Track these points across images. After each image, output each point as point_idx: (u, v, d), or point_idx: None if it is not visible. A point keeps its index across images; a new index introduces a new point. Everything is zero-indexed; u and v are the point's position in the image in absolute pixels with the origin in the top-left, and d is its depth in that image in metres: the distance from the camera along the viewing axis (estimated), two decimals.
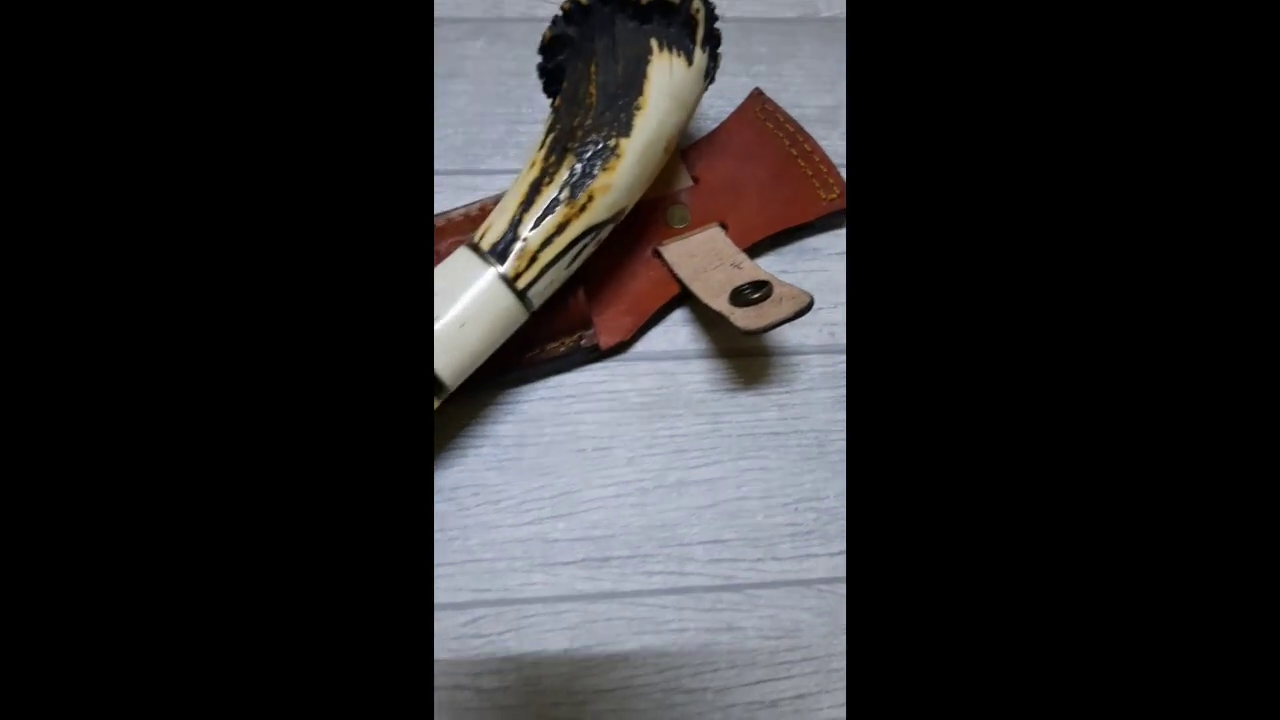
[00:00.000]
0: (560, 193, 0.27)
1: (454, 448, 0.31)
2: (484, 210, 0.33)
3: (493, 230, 0.27)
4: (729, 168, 0.35)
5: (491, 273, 0.27)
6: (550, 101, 0.32)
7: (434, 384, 0.26)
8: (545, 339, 0.31)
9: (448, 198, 0.35)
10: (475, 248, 0.27)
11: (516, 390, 0.32)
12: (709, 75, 0.31)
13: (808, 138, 0.36)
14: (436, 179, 0.36)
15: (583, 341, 0.31)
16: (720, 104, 0.37)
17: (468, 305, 0.26)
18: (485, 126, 0.37)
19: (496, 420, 0.31)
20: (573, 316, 0.31)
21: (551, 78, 0.31)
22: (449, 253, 0.28)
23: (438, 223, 0.32)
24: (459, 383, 0.27)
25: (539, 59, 0.31)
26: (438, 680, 0.28)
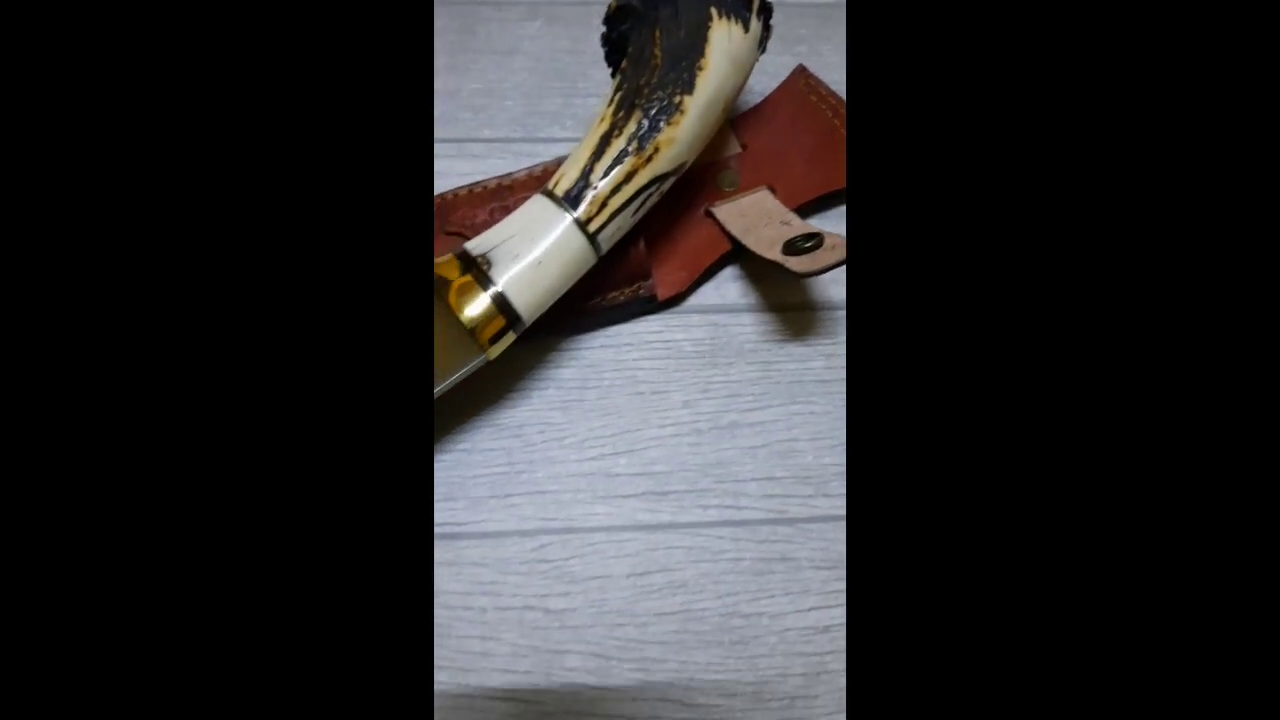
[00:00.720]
0: (629, 144, 0.29)
1: (520, 389, 0.33)
2: (546, 171, 0.35)
3: (565, 179, 0.29)
4: (775, 136, 0.37)
5: (566, 217, 0.29)
6: (610, 72, 0.34)
7: (513, 319, 0.28)
8: (607, 288, 0.33)
9: (509, 162, 0.37)
10: (550, 194, 0.29)
11: (577, 338, 0.34)
12: (762, 44, 0.33)
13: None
14: (498, 146, 0.38)
15: (641, 292, 0.33)
16: (765, 80, 0.39)
17: (544, 246, 0.28)
18: (543, 99, 0.39)
19: (559, 365, 0.33)
20: (633, 266, 0.33)
21: (614, 47, 0.33)
22: (517, 206, 0.30)
23: (504, 182, 0.34)
24: (534, 318, 0.29)
25: (602, 29, 0.33)
26: (506, 603, 0.29)
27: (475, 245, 0.29)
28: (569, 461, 0.32)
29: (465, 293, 0.28)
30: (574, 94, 0.39)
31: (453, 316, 0.28)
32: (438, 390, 0.28)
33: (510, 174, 0.35)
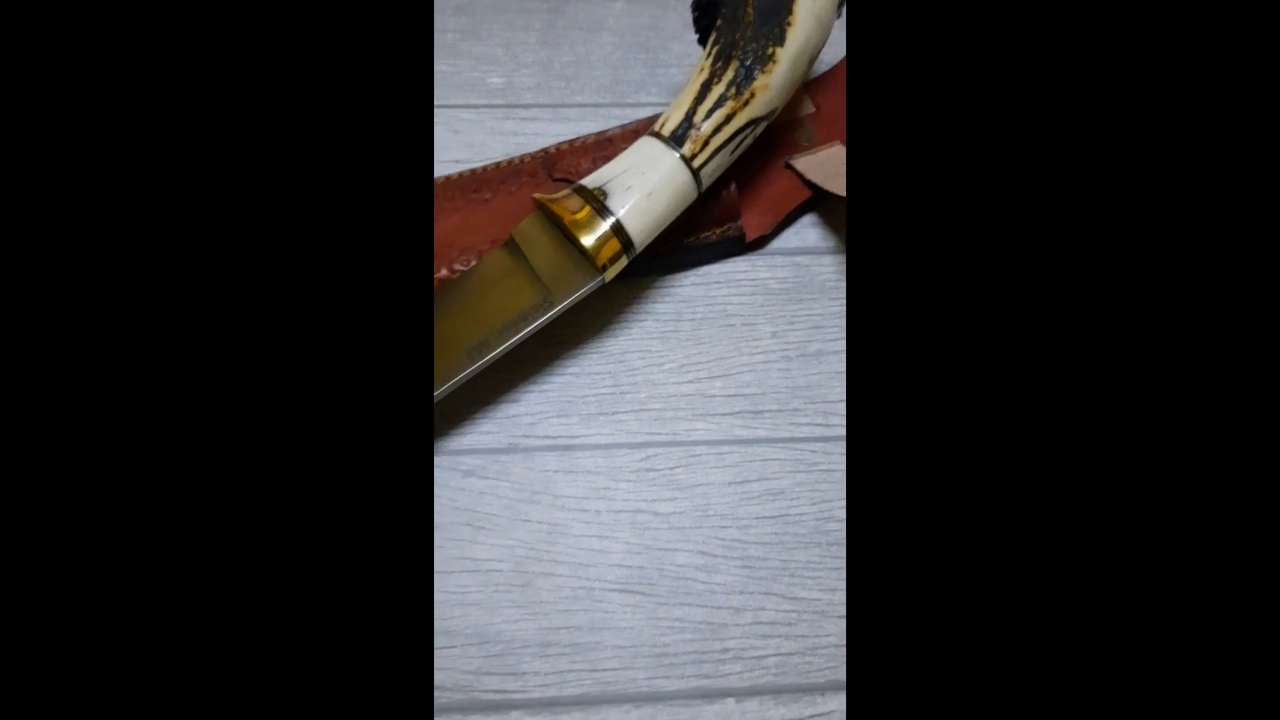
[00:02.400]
0: (728, 90, 0.32)
1: (620, 321, 0.35)
2: (638, 130, 0.38)
3: (671, 121, 0.32)
4: (844, 98, 0.40)
5: (673, 154, 0.32)
6: (697, 38, 0.37)
7: (628, 244, 0.31)
8: (700, 227, 0.36)
9: (600, 124, 0.40)
10: (658, 135, 0.32)
11: (671, 277, 0.36)
12: (840, 5, 0.36)
13: None
14: (590, 110, 0.41)
15: (730, 232, 0.36)
16: (834, 50, 0.42)
17: (655, 179, 0.31)
18: (628, 70, 0.42)
19: (655, 301, 0.36)
20: (725, 207, 0.35)
21: (704, 12, 0.37)
22: (618, 154, 0.33)
23: (601, 137, 0.37)
24: (645, 245, 0.32)
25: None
26: (619, 506, 0.31)
27: (591, 180, 0.32)
28: (669, 384, 0.34)
29: (585, 221, 0.31)
30: (656, 65, 0.42)
31: (567, 244, 0.31)
32: (558, 309, 0.31)
33: (605, 131, 0.38)
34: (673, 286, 0.36)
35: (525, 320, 0.31)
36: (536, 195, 0.33)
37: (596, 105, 0.41)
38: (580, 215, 0.31)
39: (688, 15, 0.43)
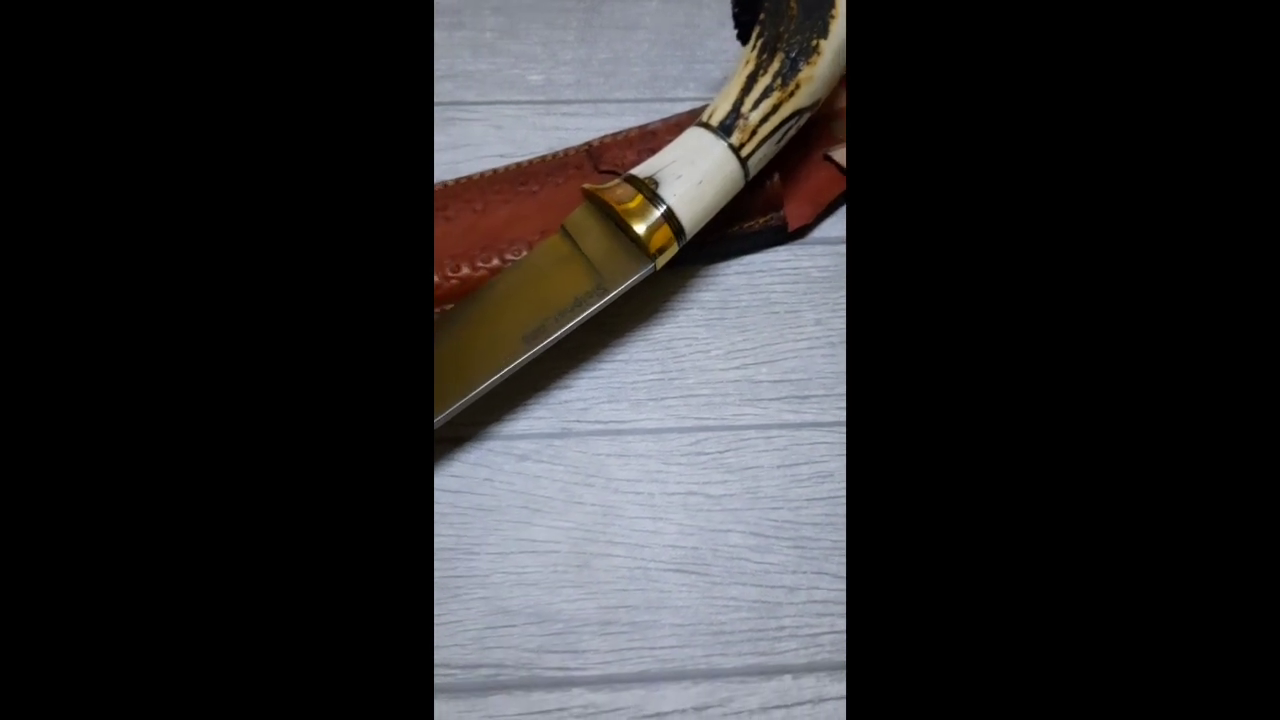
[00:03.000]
0: (774, 81, 0.33)
1: (666, 309, 0.36)
2: (680, 123, 0.38)
3: (718, 112, 0.33)
4: None
5: (722, 143, 0.32)
6: (736, 34, 0.38)
7: (679, 231, 0.32)
8: (744, 217, 0.36)
9: (640, 119, 0.41)
10: (705, 125, 0.33)
11: (713, 266, 0.37)
12: None
13: None
14: (630, 105, 0.42)
15: (772, 221, 0.37)
16: None
17: (705, 168, 0.32)
18: (665, 66, 0.43)
19: (700, 290, 0.36)
20: (768, 196, 0.36)
21: (745, 8, 0.37)
22: (663, 147, 0.34)
23: (645, 130, 0.38)
24: (695, 231, 0.32)
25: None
26: (671, 488, 0.32)
27: (641, 170, 0.33)
28: (716, 370, 0.35)
29: (637, 210, 0.32)
30: (693, 61, 0.43)
31: (618, 233, 0.32)
32: (612, 296, 0.32)
33: (647, 124, 0.39)
34: (716, 275, 0.37)
35: (580, 306, 0.32)
36: (586, 186, 0.34)
37: (636, 101, 0.42)
38: (633, 204, 0.32)
39: (722, 12, 0.44)
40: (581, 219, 0.33)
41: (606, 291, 0.32)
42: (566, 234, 0.33)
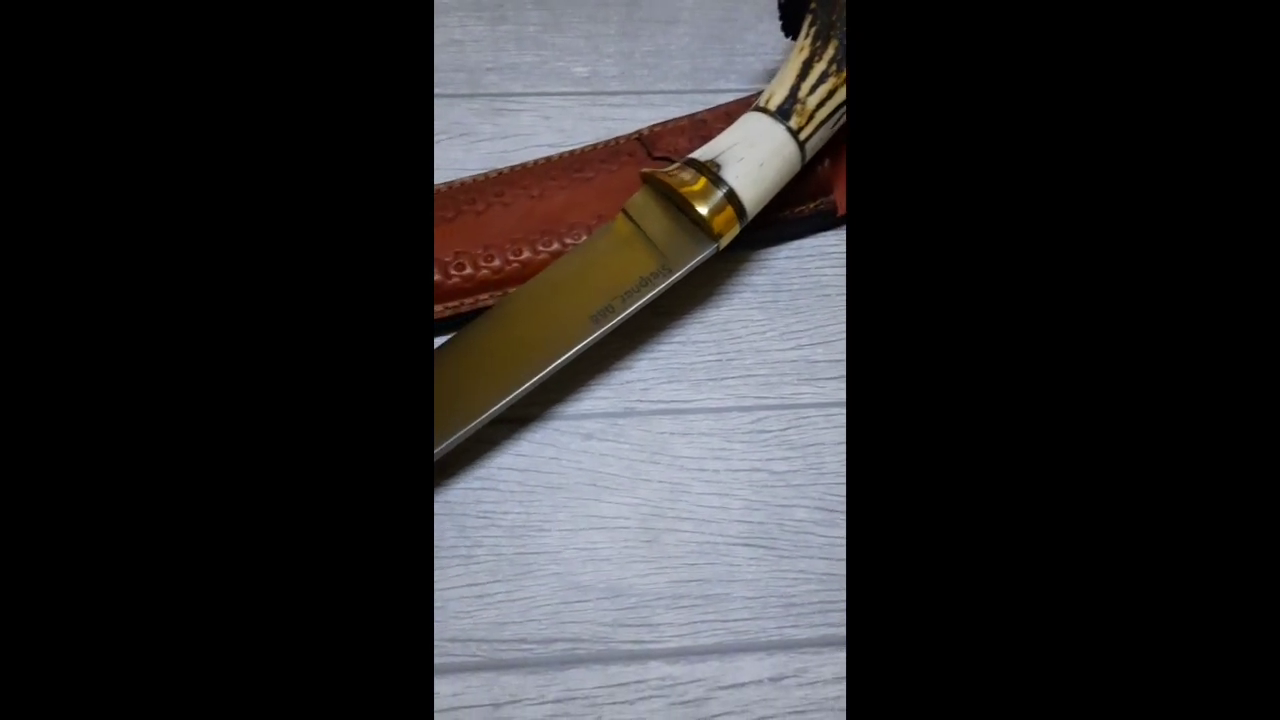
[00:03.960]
0: (829, 67, 0.34)
1: (720, 293, 0.36)
2: (730, 113, 0.39)
3: (776, 97, 0.34)
4: None
5: (781, 126, 0.33)
6: (781, 25, 0.39)
7: (741, 212, 0.32)
8: (795, 202, 0.37)
9: (685, 109, 0.41)
10: (764, 110, 0.34)
11: (764, 251, 0.38)
12: None
13: None
14: (674, 96, 0.42)
15: (822, 206, 0.37)
16: None
17: (765, 150, 0.33)
18: (707, 58, 0.44)
19: (752, 274, 0.37)
20: (819, 181, 0.37)
21: (791, 1, 0.38)
22: (717, 133, 0.35)
23: (696, 119, 0.39)
24: (755, 213, 0.33)
25: None
26: (735, 465, 0.32)
27: (702, 154, 0.33)
28: (772, 351, 0.35)
29: (700, 192, 0.32)
30: (734, 54, 0.44)
31: (680, 215, 0.33)
32: (676, 275, 0.32)
33: (696, 113, 0.39)
34: (768, 260, 0.38)
35: (646, 286, 0.32)
36: (646, 170, 0.34)
37: (679, 92, 0.43)
38: (696, 186, 0.32)
39: (759, 6, 0.45)
40: (642, 202, 0.34)
41: (671, 272, 0.32)
42: (628, 217, 0.34)
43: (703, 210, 0.32)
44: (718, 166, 0.33)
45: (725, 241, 0.33)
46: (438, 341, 0.34)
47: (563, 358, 0.31)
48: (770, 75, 0.44)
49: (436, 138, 0.41)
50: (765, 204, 0.33)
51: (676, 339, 0.35)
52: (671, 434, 0.33)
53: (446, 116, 0.42)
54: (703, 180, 0.32)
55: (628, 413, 0.34)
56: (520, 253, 0.35)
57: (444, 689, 0.28)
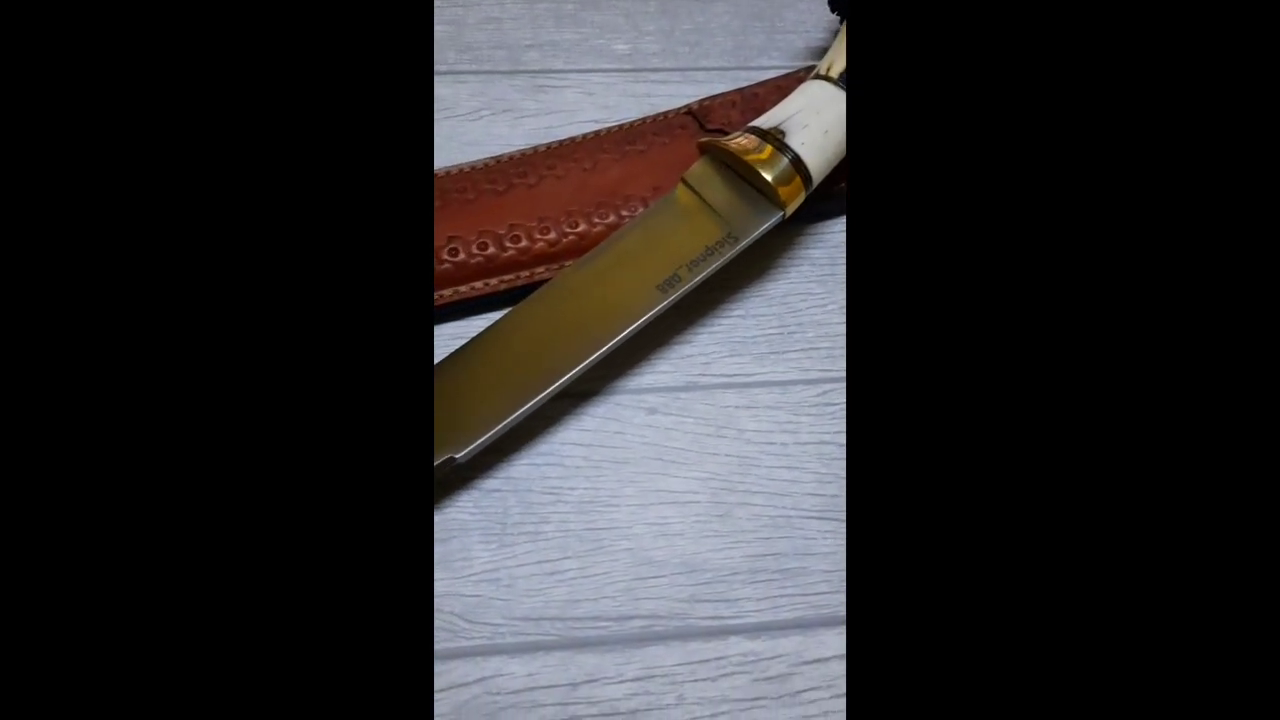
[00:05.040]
0: None
1: (778, 267, 0.36)
2: (780, 87, 0.38)
3: (836, 64, 0.33)
4: None
5: (844, 94, 0.32)
6: (830, 3, 0.38)
7: (806, 179, 0.31)
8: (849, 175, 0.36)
9: (726, 85, 0.41)
10: (825, 78, 0.33)
11: (820, 225, 0.37)
12: None
13: None
14: (717, 74, 0.42)
15: None
16: None
17: (829, 118, 0.32)
18: (748, 36, 0.43)
19: (808, 247, 0.36)
20: None
21: None
22: (770, 106, 0.34)
23: (746, 93, 0.38)
24: (820, 181, 0.32)
25: None
26: (804, 439, 0.32)
27: (765, 121, 0.33)
28: (833, 324, 0.35)
29: (766, 160, 0.32)
30: (775, 31, 0.43)
31: (742, 184, 0.32)
32: (743, 244, 0.32)
33: (747, 86, 0.39)
34: (824, 233, 0.37)
35: (712, 255, 0.31)
36: (705, 140, 0.34)
37: (723, 69, 0.42)
38: (762, 154, 0.32)
39: None
40: (702, 172, 0.33)
41: (738, 240, 0.31)
42: (688, 187, 0.33)
43: (768, 177, 0.31)
44: (782, 134, 0.32)
45: (791, 209, 0.32)
46: (495, 316, 0.33)
47: (631, 328, 0.30)
48: (812, 52, 0.44)
49: (479, 113, 0.40)
50: (829, 172, 0.33)
51: (736, 313, 0.35)
52: (736, 408, 0.33)
53: (488, 93, 0.41)
54: (769, 148, 0.32)
55: (690, 387, 0.33)
56: (577, 225, 0.34)
57: (518, 669, 0.27)
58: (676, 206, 0.33)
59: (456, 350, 0.31)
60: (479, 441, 0.28)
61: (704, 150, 0.34)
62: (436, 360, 0.31)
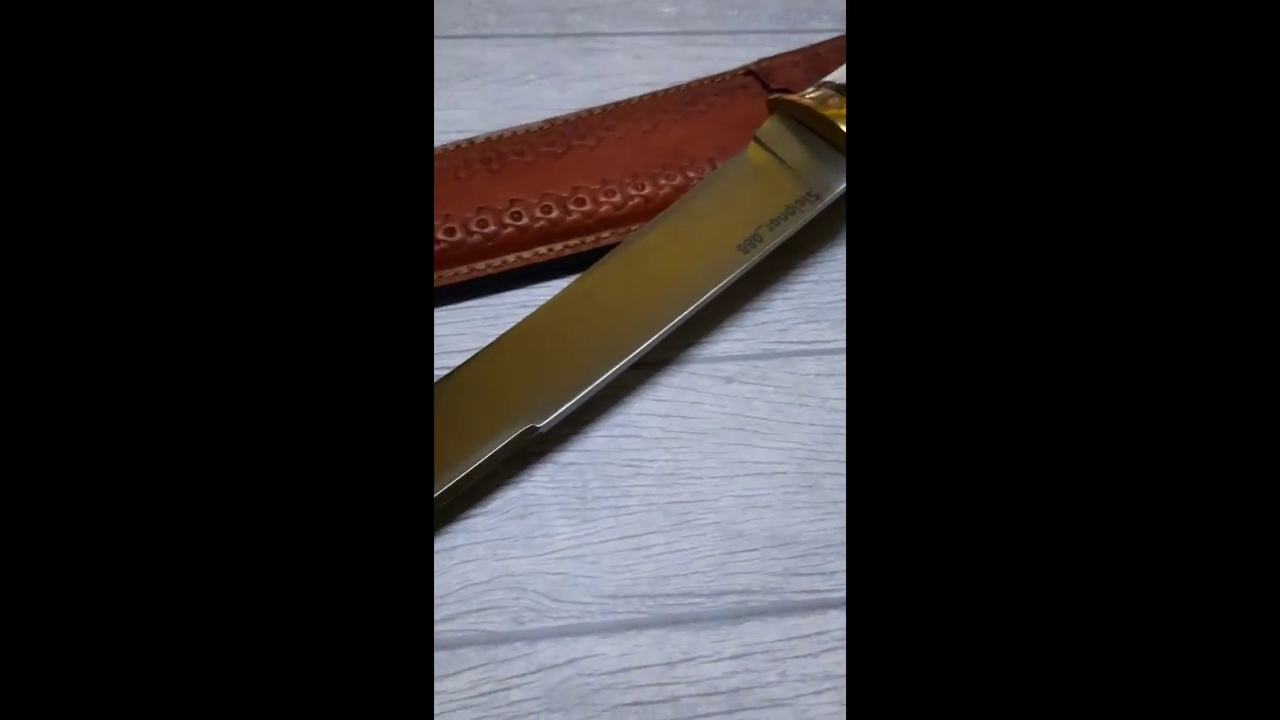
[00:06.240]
0: None
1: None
2: (842, 48, 0.37)
3: None
4: None
5: None
6: None
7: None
8: None
9: (776, 48, 0.39)
10: None
11: None
12: None
13: None
14: (768, 36, 0.40)
15: None
16: None
17: None
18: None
19: None
20: None
21: None
22: (831, 66, 0.33)
23: (808, 53, 0.37)
24: None
25: None
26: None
27: (838, 77, 0.32)
28: None
29: (845, 114, 0.30)
30: None
31: (818, 140, 0.31)
32: (826, 201, 0.30)
33: (808, 46, 0.38)
34: None
35: (792, 214, 0.30)
36: (776, 97, 0.32)
37: (773, 32, 0.41)
38: (841, 110, 0.30)
39: None
40: (775, 130, 0.32)
41: (820, 199, 0.30)
42: (762, 145, 0.31)
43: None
44: None
45: None
46: (559, 285, 0.31)
47: (714, 289, 0.29)
48: None
49: (525, 77, 0.38)
50: None
51: (809, 278, 0.33)
52: (816, 375, 0.31)
53: (533, 57, 0.39)
54: (843, 101, 0.31)
55: (767, 355, 0.32)
56: (643, 187, 0.32)
57: (610, 649, 0.26)
58: (750, 165, 0.31)
59: (527, 318, 0.29)
60: (561, 410, 0.27)
61: (774, 108, 0.33)
62: (504, 329, 0.29)
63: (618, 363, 0.28)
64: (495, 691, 0.25)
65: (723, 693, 0.26)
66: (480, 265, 0.32)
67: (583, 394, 0.27)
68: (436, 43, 0.40)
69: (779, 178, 0.31)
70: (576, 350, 0.28)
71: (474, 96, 0.38)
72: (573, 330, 0.28)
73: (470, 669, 0.25)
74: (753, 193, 0.31)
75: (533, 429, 0.26)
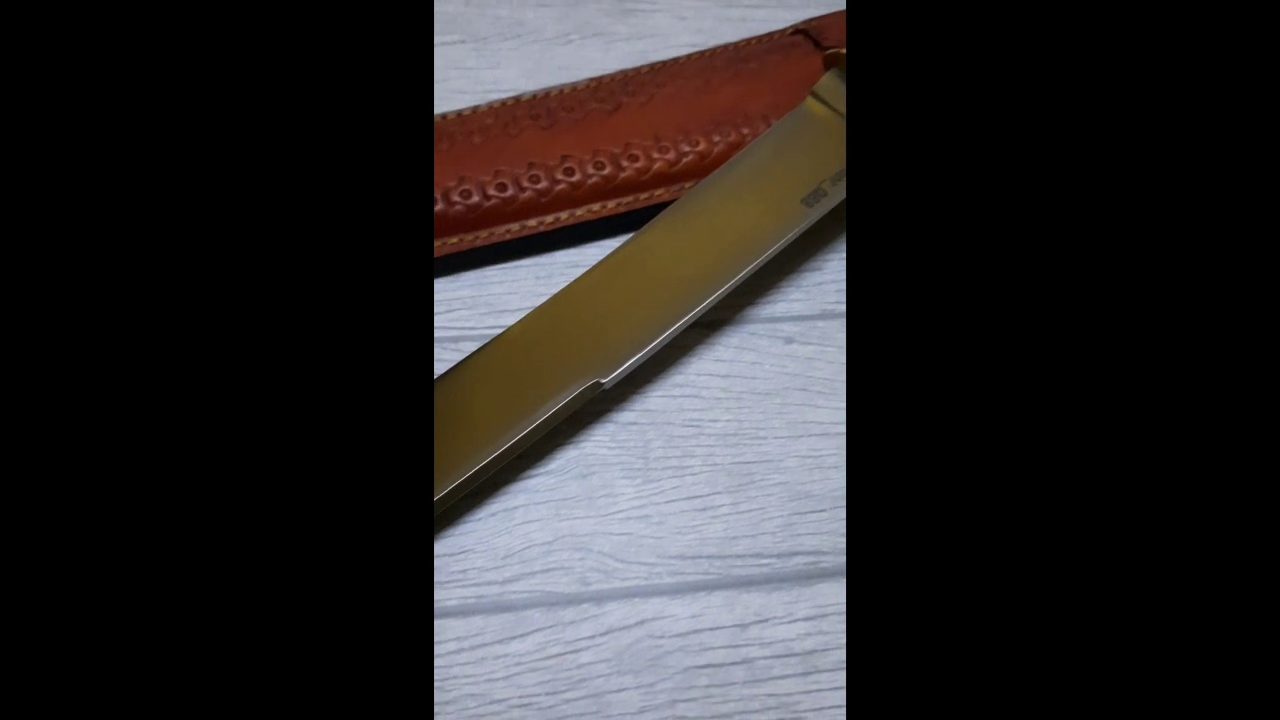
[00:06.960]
0: None
1: None
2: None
3: None
4: None
5: None
6: None
7: None
8: None
9: (821, 9, 0.38)
10: None
11: None
12: None
13: None
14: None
15: None
16: None
17: None
18: None
19: None
20: None
21: None
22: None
23: (843, 17, 0.36)
24: None
25: None
26: None
27: None
28: None
29: None
30: None
31: None
32: None
33: (821, 16, 0.36)
34: None
35: None
36: (833, 51, 0.31)
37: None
38: None
39: None
40: (832, 85, 0.31)
41: None
42: (819, 99, 0.31)
43: None
44: None
45: None
46: (612, 244, 0.30)
47: (779, 244, 0.28)
48: None
49: (567, 37, 0.37)
50: None
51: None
52: None
53: (574, 17, 0.38)
54: None
55: (826, 315, 0.31)
56: (697, 144, 0.32)
57: (680, 610, 0.25)
58: (808, 120, 0.31)
59: (586, 273, 0.28)
60: (626, 365, 0.26)
61: (830, 64, 0.32)
62: (556, 289, 0.28)
63: (682, 318, 0.27)
64: (564, 654, 0.24)
65: (797, 654, 0.25)
66: (532, 222, 0.31)
67: (647, 349, 0.26)
68: (472, 1, 0.39)
69: (839, 132, 0.30)
70: (639, 305, 0.27)
71: (515, 56, 0.37)
72: (635, 285, 0.27)
73: (538, 630, 0.25)
74: (813, 147, 0.30)
75: (597, 384, 0.26)
